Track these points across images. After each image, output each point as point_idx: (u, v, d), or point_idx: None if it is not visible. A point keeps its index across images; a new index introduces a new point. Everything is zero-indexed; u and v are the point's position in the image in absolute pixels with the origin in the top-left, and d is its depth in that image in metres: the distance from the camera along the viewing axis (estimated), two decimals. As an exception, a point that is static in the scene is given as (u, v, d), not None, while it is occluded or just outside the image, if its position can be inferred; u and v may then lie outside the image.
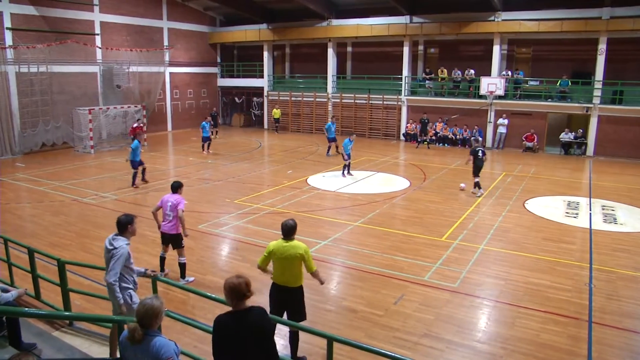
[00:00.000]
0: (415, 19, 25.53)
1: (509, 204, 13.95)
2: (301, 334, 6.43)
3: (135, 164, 15.37)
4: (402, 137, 26.68)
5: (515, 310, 7.63)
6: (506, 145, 24.21)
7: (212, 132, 23.39)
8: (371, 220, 12.35)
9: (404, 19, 25.70)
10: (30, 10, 22.04)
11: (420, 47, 27.58)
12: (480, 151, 14.86)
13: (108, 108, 23.89)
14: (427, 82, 26.60)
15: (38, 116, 22.16)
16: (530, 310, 7.61)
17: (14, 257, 7.98)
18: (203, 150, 22.02)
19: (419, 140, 25.29)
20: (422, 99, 26.41)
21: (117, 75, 25.35)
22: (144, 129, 23.08)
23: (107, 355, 5.82)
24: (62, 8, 23.11)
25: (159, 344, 3.58)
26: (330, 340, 4.96)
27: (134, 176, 15.53)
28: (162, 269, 8.44)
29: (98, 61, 25.31)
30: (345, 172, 17.27)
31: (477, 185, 14.85)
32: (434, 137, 25.29)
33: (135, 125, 22.42)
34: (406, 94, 26.70)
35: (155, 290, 6.36)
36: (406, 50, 26.51)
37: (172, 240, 8.39)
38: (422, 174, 18.01)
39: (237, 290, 3.83)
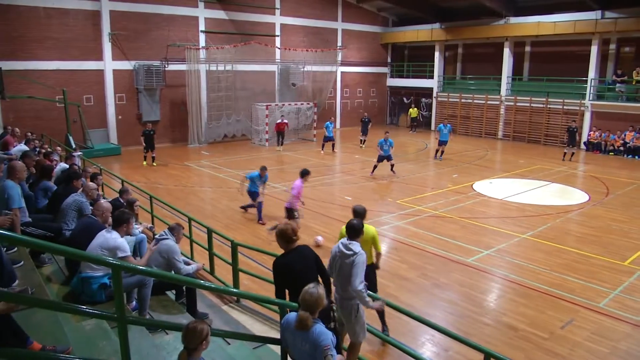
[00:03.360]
0: (608, 14, 22.90)
1: None
2: (455, 345, 6.34)
3: (254, 195, 12.37)
4: (583, 146, 24.23)
5: None
6: None
7: (361, 140, 23.71)
8: (541, 233, 11.52)
9: (593, 15, 23.20)
10: (220, 14, 24.72)
11: (612, 46, 24.69)
12: None
13: (283, 104, 25.67)
14: (617, 85, 23.79)
15: (222, 110, 24.73)
16: None
17: (195, 235, 9.10)
18: (322, 149, 22.35)
19: (603, 149, 22.81)
20: (610, 104, 23.67)
21: (293, 74, 27.14)
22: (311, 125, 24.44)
23: (266, 334, 6.29)
24: (247, 12, 25.49)
25: (319, 331, 3.79)
26: (488, 355, 4.73)
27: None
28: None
29: (277, 61, 27.35)
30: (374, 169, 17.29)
31: None
32: (621, 148, 22.58)
33: (279, 121, 23.52)
34: (591, 99, 24.20)
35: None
36: (594, 49, 23.96)
37: (287, 212, 10.56)
38: (605, 187, 16.23)
39: (285, 235, 4.84)
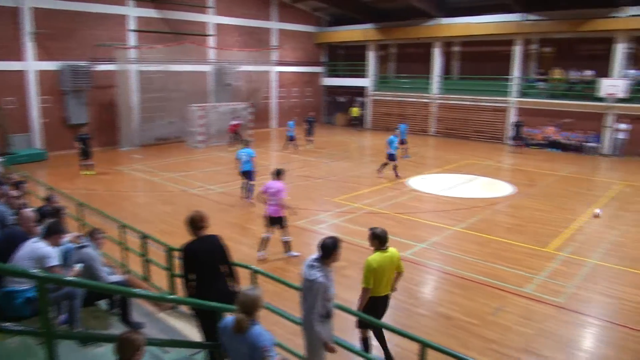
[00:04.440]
0: (530, 16, 24.22)
1: (627, 217, 12.89)
2: (393, 337, 6.49)
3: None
4: (509, 141, 25.48)
5: (626, 332, 7.09)
6: (626, 152, 22.26)
7: (307, 140, 24.00)
8: (472, 225, 12.03)
9: (517, 17, 24.47)
10: (152, 13, 23.98)
11: (534, 46, 26.12)
12: None
13: (218, 105, 25.32)
14: (539, 83, 25.18)
15: (155, 112, 24.05)
16: (644, 333, 7.05)
17: (130, 241, 8.82)
18: (285, 148, 22.68)
19: (527, 144, 24.10)
20: (532, 100, 25.04)
21: (228, 74, 26.82)
22: (247, 125, 24.30)
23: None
24: (180, 11, 24.90)
25: (257, 333, 3.78)
26: (424, 345, 4.92)
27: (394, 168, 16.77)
28: (264, 249, 9.50)
29: (211, 61, 26.94)
30: (397, 173, 17.00)
31: None
32: (544, 142, 23.93)
33: (234, 122, 23.51)
34: (515, 96, 25.50)
35: (254, 282, 6.74)
36: (518, 49, 25.28)
37: (278, 222, 9.51)
38: (529, 180, 17.16)
39: (194, 222, 5.25)
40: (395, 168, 16.95)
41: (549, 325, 7.27)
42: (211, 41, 26.67)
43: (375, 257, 5.69)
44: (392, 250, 5.81)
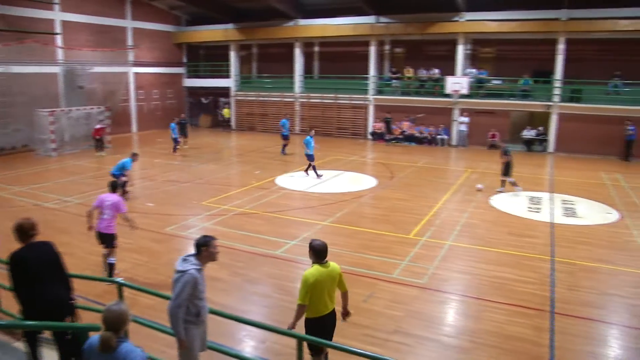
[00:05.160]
0: (382, 18, 25.77)
1: (475, 200, 14.25)
2: (270, 335, 6.43)
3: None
4: (369, 136, 26.91)
5: (482, 304, 7.80)
6: (470, 142, 24.67)
7: (182, 141, 23.38)
8: (340, 219, 12.41)
9: (370, 19, 25.92)
10: (-15, 9, 21.34)
11: (387, 47, 27.84)
12: (509, 150, 15.07)
13: (70, 110, 23.28)
14: (393, 81, 26.89)
15: (-3, 118, 21.45)
16: (496, 303, 7.79)
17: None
18: (174, 151, 21.87)
19: (387, 139, 25.62)
20: (388, 98, 26.68)
21: (80, 76, 24.79)
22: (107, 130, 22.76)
23: None
24: (20, 7, 22.40)
25: (126, 350, 3.50)
26: (300, 339, 4.96)
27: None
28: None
29: (59, 61, 24.68)
30: (316, 172, 17.12)
31: (514, 184, 15.00)
32: (400, 136, 25.62)
33: (98, 126, 22.06)
34: (373, 94, 26.93)
35: (121, 295, 6.25)
36: (372, 50, 26.75)
37: (106, 239, 8.44)
38: (389, 172, 18.20)
39: (22, 229, 4.90)
40: (314, 168, 17.04)
41: (415, 305, 7.72)
42: (59, 40, 24.39)
43: (313, 271, 5.15)
44: (332, 265, 5.29)
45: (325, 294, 5.22)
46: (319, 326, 5.23)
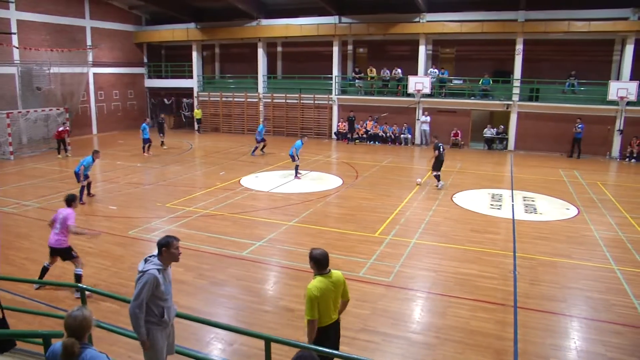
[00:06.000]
0: (344, 19, 25.90)
1: (438, 198, 14.47)
2: (239, 337, 6.36)
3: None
4: (333, 136, 27.00)
5: (447, 300, 7.92)
6: (431, 141, 25.06)
7: (161, 142, 23.26)
8: (305, 219, 12.40)
9: (332, 19, 26.00)
10: None
11: (350, 47, 27.98)
12: (441, 146, 15.61)
13: (28, 111, 22.45)
14: (356, 81, 27.05)
15: (-51, 121, 20.47)
16: (460, 299, 7.93)
17: None
18: (144, 152, 21.44)
19: (349, 138, 25.77)
20: (352, 97, 26.83)
21: (37, 77, 24.02)
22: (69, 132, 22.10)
23: None
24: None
25: (90, 357, 3.41)
26: (268, 340, 4.94)
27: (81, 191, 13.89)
28: (41, 278, 8.29)
29: (15, 62, 23.81)
30: (298, 173, 17.12)
31: (438, 178, 15.69)
32: (364, 135, 25.81)
33: (61, 129, 21.44)
34: (337, 93, 27.03)
35: (84, 301, 6.08)
36: (336, 50, 26.83)
37: (60, 253, 8.19)
38: (354, 171, 18.29)
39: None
40: (296, 168, 17.11)
41: (381, 303, 7.78)
42: (14, 40, 23.48)
43: (316, 283, 4.91)
44: (336, 273, 5.08)
45: (331, 305, 5.03)
46: (323, 337, 5.01)
